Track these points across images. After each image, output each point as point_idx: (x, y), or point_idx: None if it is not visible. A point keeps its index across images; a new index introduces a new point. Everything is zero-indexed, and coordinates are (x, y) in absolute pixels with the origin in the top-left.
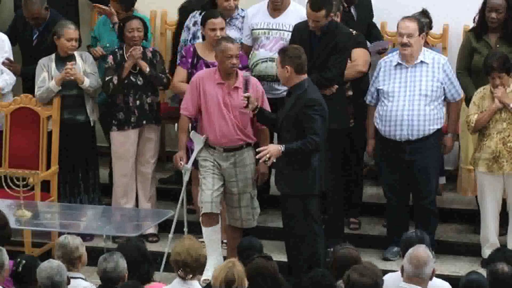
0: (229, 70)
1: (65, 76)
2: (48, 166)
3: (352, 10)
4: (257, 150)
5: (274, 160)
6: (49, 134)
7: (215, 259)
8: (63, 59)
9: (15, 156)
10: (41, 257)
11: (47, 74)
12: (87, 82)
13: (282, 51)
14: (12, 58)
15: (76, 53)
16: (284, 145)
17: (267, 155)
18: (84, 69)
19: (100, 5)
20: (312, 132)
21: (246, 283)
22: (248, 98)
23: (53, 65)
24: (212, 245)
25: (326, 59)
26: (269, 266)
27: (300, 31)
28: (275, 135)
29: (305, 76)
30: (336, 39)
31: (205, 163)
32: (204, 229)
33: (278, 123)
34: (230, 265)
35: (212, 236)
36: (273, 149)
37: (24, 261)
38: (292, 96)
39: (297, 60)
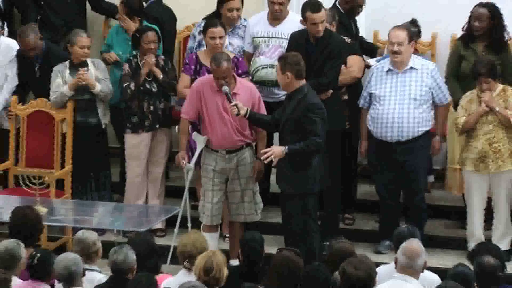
0: (219, 87)
1: (77, 81)
2: (62, 166)
3: (353, 24)
4: (261, 151)
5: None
6: (63, 135)
7: None
8: (77, 66)
9: (31, 156)
10: (56, 251)
11: (61, 80)
12: (98, 87)
13: (282, 59)
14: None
15: (88, 60)
16: (287, 146)
17: (271, 156)
18: (96, 75)
19: (125, 18)
20: (314, 134)
21: (225, 272)
22: (236, 105)
23: (67, 71)
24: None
25: (322, 65)
26: (297, 261)
27: (296, 40)
28: (275, 135)
29: (304, 81)
30: (331, 46)
31: (206, 174)
32: (203, 233)
33: (280, 126)
34: (211, 254)
35: (210, 242)
36: (276, 150)
37: (39, 254)
38: (293, 100)
39: (297, 66)
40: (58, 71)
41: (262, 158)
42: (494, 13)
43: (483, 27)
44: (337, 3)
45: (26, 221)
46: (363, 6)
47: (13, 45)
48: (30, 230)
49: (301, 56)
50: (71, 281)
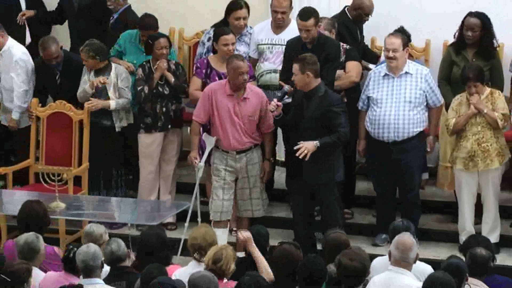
0: (240, 85)
1: (96, 84)
2: (79, 163)
3: (358, 31)
4: (294, 148)
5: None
6: (81, 135)
7: None
8: (100, 70)
9: (50, 154)
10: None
11: (87, 77)
12: (113, 105)
13: (301, 60)
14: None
15: (113, 66)
16: (318, 141)
17: (305, 152)
18: (115, 82)
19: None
20: (341, 126)
21: (232, 267)
22: (278, 106)
23: (93, 72)
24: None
25: (320, 69)
26: (296, 253)
27: (293, 46)
28: (279, 137)
29: (320, 79)
30: (327, 50)
31: (218, 173)
32: (214, 229)
33: (302, 123)
34: (223, 247)
35: (220, 237)
36: (309, 146)
37: (75, 249)
38: (313, 98)
39: (315, 66)
40: (86, 68)
41: (297, 154)
42: (485, 23)
43: (475, 36)
44: (346, 9)
45: (32, 214)
46: (370, 16)
47: (15, 53)
48: (36, 223)
49: None
50: (88, 273)
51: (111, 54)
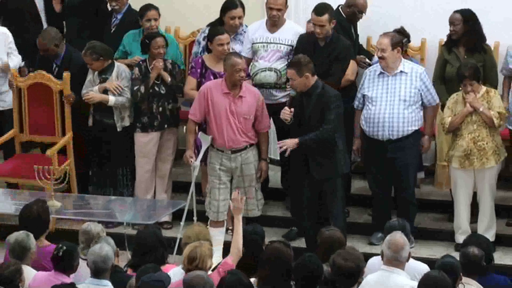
0: (237, 82)
1: (109, 88)
2: (63, 133)
3: (352, 29)
4: (278, 143)
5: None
6: (62, 105)
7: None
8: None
9: (34, 124)
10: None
11: (91, 77)
12: (112, 101)
13: (296, 64)
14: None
15: (115, 65)
16: (299, 138)
17: (284, 147)
18: (116, 80)
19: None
20: (326, 122)
21: (209, 263)
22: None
23: (96, 72)
24: (216, 243)
25: (329, 67)
26: (287, 252)
27: (305, 41)
28: (273, 136)
29: (316, 76)
30: (338, 49)
31: (213, 172)
32: (210, 228)
33: (305, 121)
34: (197, 245)
35: (216, 236)
36: (289, 142)
37: (64, 247)
38: (313, 96)
39: (310, 64)
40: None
41: (279, 151)
42: (467, 17)
43: (457, 31)
44: (339, 8)
45: (31, 215)
46: (364, 13)
47: (7, 32)
48: (36, 223)
49: (309, 57)
50: (97, 274)
51: (117, 56)
